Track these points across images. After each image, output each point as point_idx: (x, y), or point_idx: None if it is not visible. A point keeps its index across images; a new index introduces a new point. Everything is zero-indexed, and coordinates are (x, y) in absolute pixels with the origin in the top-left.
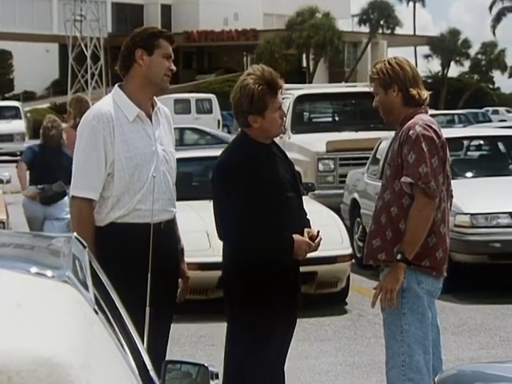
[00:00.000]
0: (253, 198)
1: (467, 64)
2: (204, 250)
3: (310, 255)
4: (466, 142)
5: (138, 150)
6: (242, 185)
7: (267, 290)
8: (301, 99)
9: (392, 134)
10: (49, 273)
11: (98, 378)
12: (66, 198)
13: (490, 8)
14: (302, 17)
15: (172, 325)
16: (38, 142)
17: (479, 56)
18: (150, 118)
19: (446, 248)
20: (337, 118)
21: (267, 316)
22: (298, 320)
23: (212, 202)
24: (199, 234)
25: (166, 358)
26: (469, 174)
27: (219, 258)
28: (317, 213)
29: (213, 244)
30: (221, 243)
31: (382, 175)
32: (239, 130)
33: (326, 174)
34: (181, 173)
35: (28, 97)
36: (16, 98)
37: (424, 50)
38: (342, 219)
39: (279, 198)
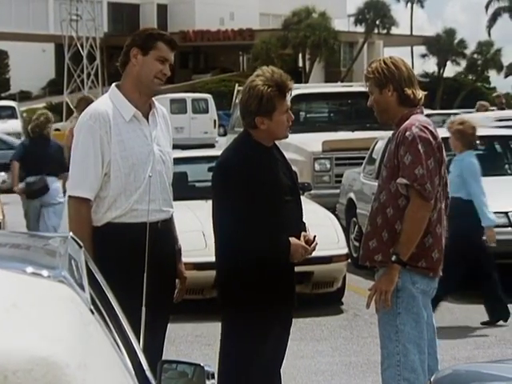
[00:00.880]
0: (252, 199)
1: (463, 64)
2: (200, 250)
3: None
4: None
5: (134, 150)
6: (242, 185)
7: (262, 291)
8: (297, 99)
9: (388, 133)
10: (45, 273)
11: (94, 378)
12: (57, 185)
13: (486, 8)
14: (298, 17)
15: (168, 324)
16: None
17: (475, 56)
18: (147, 118)
19: (441, 248)
20: (333, 118)
21: (262, 316)
22: (294, 320)
23: (211, 200)
24: (195, 233)
25: (162, 358)
26: None
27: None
28: (313, 213)
29: (209, 244)
30: None
31: (378, 175)
32: (234, 129)
33: (322, 174)
34: (177, 173)
35: (24, 96)
36: (12, 97)
37: (420, 49)
38: (338, 219)
39: (278, 201)
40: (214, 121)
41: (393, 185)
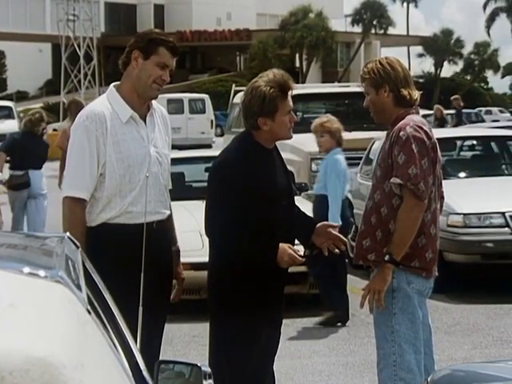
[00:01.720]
0: (245, 200)
1: (460, 64)
2: (197, 250)
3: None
4: (459, 142)
5: (129, 152)
6: (238, 186)
7: (250, 291)
8: (294, 99)
9: (385, 134)
10: (41, 273)
11: (90, 378)
12: (41, 177)
13: (484, 8)
14: (295, 17)
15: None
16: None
17: (472, 56)
18: (144, 119)
19: (435, 249)
20: None
21: (251, 316)
22: (291, 320)
23: (206, 197)
24: (192, 233)
25: (159, 358)
26: (462, 174)
27: None
28: (309, 213)
29: (206, 244)
30: None
31: None
32: (232, 130)
33: None
34: (174, 173)
35: (21, 97)
36: (9, 97)
37: (417, 49)
38: None
39: (271, 204)
40: (211, 121)
41: (387, 184)
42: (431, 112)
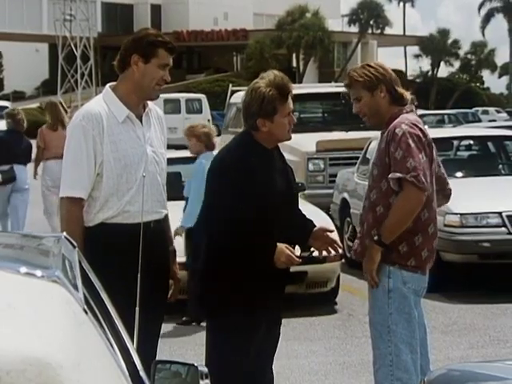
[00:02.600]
0: (242, 199)
1: (457, 64)
2: None
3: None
4: (455, 142)
5: (126, 152)
6: (236, 184)
7: (247, 289)
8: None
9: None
10: (38, 273)
11: (87, 378)
12: (25, 173)
13: (479, 9)
14: (291, 17)
15: (162, 325)
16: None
17: (469, 56)
18: (140, 119)
19: (432, 247)
20: (327, 118)
21: (247, 315)
22: (287, 320)
23: (204, 194)
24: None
25: (156, 358)
26: (458, 174)
27: None
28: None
29: None
30: None
31: None
32: (229, 129)
33: (316, 174)
34: (170, 173)
35: (18, 96)
36: (6, 97)
37: (414, 49)
38: (332, 219)
39: (268, 204)
40: (208, 121)
41: (384, 183)
42: (428, 112)
